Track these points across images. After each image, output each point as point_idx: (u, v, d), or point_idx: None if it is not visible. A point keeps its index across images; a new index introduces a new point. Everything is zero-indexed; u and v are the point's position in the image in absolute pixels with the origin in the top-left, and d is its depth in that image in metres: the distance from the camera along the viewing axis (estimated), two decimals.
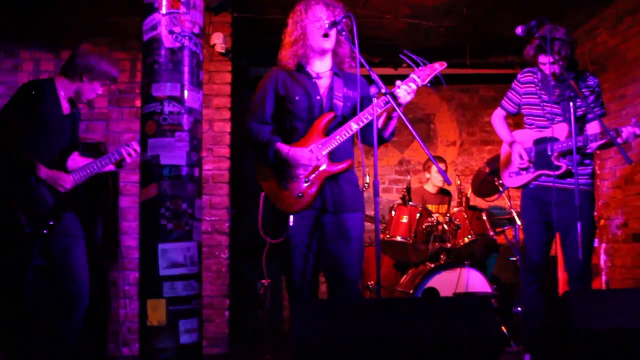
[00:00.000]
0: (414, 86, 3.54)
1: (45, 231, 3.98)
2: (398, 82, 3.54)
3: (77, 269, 4.11)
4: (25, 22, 6.23)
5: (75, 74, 4.17)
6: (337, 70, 3.81)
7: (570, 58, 4.31)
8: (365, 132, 3.74)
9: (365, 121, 3.55)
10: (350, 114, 3.70)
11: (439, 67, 3.64)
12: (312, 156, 3.57)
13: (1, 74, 6.18)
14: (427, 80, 3.60)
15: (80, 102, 4.27)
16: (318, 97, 3.70)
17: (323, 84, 3.75)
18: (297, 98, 3.68)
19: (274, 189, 3.62)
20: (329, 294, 3.69)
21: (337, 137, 3.58)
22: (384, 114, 3.65)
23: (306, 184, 3.58)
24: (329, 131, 3.63)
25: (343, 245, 3.60)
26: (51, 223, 4.01)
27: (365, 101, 3.71)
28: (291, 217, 3.57)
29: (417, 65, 3.61)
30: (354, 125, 3.57)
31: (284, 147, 3.61)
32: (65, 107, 4.19)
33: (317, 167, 3.59)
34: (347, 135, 3.58)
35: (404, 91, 3.51)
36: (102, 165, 4.23)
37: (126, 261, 5.98)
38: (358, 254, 3.65)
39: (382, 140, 3.73)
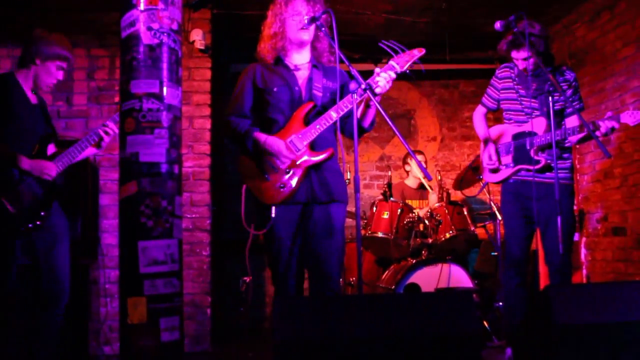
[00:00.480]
0: (392, 74, 3.55)
1: (38, 222, 3.95)
2: (377, 70, 3.55)
3: (59, 266, 4.07)
4: (3, 19, 6.17)
5: (29, 60, 4.13)
6: (316, 63, 3.81)
7: (544, 53, 4.32)
8: (346, 123, 3.75)
9: (345, 109, 3.55)
10: (330, 104, 3.71)
11: (417, 53, 3.65)
12: (288, 150, 3.57)
13: None
14: (406, 67, 3.60)
15: (42, 89, 4.21)
16: (297, 88, 3.70)
17: (302, 75, 3.76)
18: (275, 89, 3.69)
19: (256, 181, 3.62)
20: (310, 286, 3.70)
21: (317, 126, 3.58)
22: (362, 103, 3.65)
23: (287, 175, 3.58)
24: (308, 121, 3.63)
25: (326, 236, 3.62)
26: (43, 214, 3.98)
27: (345, 91, 3.71)
28: (273, 209, 3.58)
29: (396, 52, 3.62)
30: (333, 114, 3.56)
31: (261, 136, 3.62)
32: (32, 98, 4.16)
33: (298, 158, 3.59)
34: (327, 124, 3.59)
35: (384, 79, 3.52)
36: (82, 149, 4.19)
37: (107, 259, 5.95)
38: (340, 246, 3.67)
39: (362, 131, 3.75)
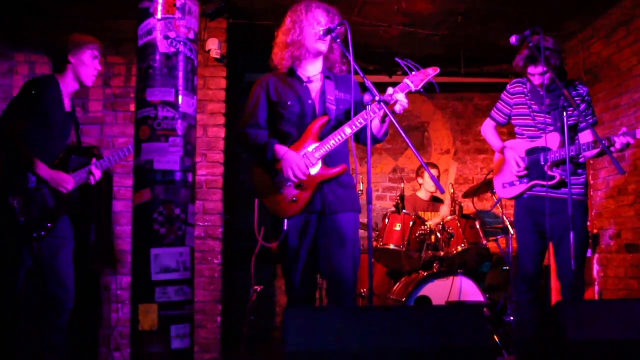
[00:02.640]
0: (401, 98, 3.55)
1: (42, 233, 3.97)
2: (391, 90, 3.55)
3: (63, 270, 4.08)
4: (21, 26, 6.22)
5: (63, 62, 4.17)
6: (328, 73, 3.82)
7: (559, 68, 4.31)
8: (360, 133, 3.75)
9: (359, 126, 3.57)
10: (343, 116, 3.74)
11: (432, 72, 3.67)
12: (305, 166, 3.58)
13: None
14: (420, 86, 3.62)
15: (87, 85, 4.24)
16: (310, 102, 3.71)
17: (315, 87, 3.77)
18: (289, 103, 3.69)
19: (269, 194, 3.63)
20: (328, 295, 3.71)
21: (331, 141, 3.59)
22: (379, 116, 3.65)
23: (300, 189, 3.59)
24: (322, 135, 3.64)
25: (338, 247, 3.63)
26: (49, 225, 4.00)
27: (358, 104, 3.73)
28: (285, 222, 3.59)
29: (411, 70, 3.63)
30: (347, 130, 3.58)
31: (281, 149, 3.63)
32: (67, 105, 4.19)
33: (311, 173, 3.61)
34: (341, 139, 3.60)
35: (404, 99, 3.54)
36: (103, 167, 4.24)
37: (119, 265, 5.97)
38: (352, 253, 3.67)
39: (376, 141, 3.76)
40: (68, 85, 4.18)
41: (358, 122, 3.57)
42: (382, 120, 3.67)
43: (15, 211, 3.90)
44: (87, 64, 4.19)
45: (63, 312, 4.08)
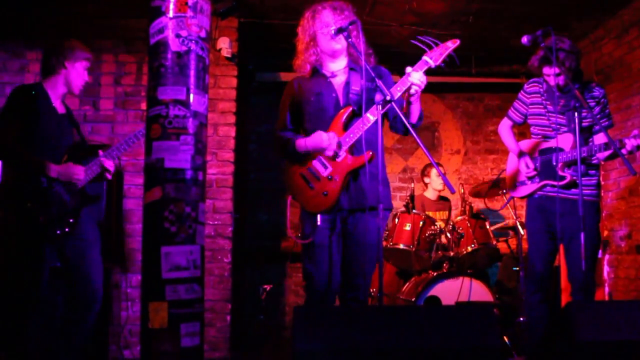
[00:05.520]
0: (416, 79, 3.50)
1: (67, 229, 3.99)
2: (409, 69, 3.51)
3: (91, 273, 4.10)
4: (32, 24, 6.24)
5: (58, 65, 4.20)
6: (354, 66, 3.81)
7: (575, 69, 4.30)
8: (396, 122, 3.77)
9: (381, 112, 3.50)
10: (369, 105, 3.65)
11: (451, 45, 3.60)
12: (330, 138, 3.58)
13: (8, 75, 6.20)
14: (440, 60, 3.56)
15: (73, 92, 4.28)
16: (334, 95, 3.73)
17: (338, 81, 3.78)
18: (312, 99, 3.73)
19: (301, 191, 3.68)
20: (341, 288, 3.73)
21: (356, 130, 3.58)
22: (404, 100, 3.62)
23: (329, 181, 3.60)
24: (347, 126, 3.64)
25: (356, 245, 3.67)
26: (71, 221, 4.02)
27: (386, 84, 3.64)
28: (319, 217, 3.61)
29: (430, 47, 3.57)
30: (370, 117, 3.54)
31: (301, 141, 3.69)
32: (59, 107, 4.21)
33: (338, 163, 3.61)
34: (365, 126, 3.55)
35: (418, 79, 3.48)
36: (113, 157, 4.26)
37: (129, 263, 5.98)
38: (370, 254, 3.67)
39: (413, 126, 3.57)
40: (57, 89, 4.21)
41: (377, 110, 3.53)
42: (408, 102, 3.60)
43: (33, 212, 3.92)
44: (80, 74, 4.27)
45: (90, 313, 4.09)
